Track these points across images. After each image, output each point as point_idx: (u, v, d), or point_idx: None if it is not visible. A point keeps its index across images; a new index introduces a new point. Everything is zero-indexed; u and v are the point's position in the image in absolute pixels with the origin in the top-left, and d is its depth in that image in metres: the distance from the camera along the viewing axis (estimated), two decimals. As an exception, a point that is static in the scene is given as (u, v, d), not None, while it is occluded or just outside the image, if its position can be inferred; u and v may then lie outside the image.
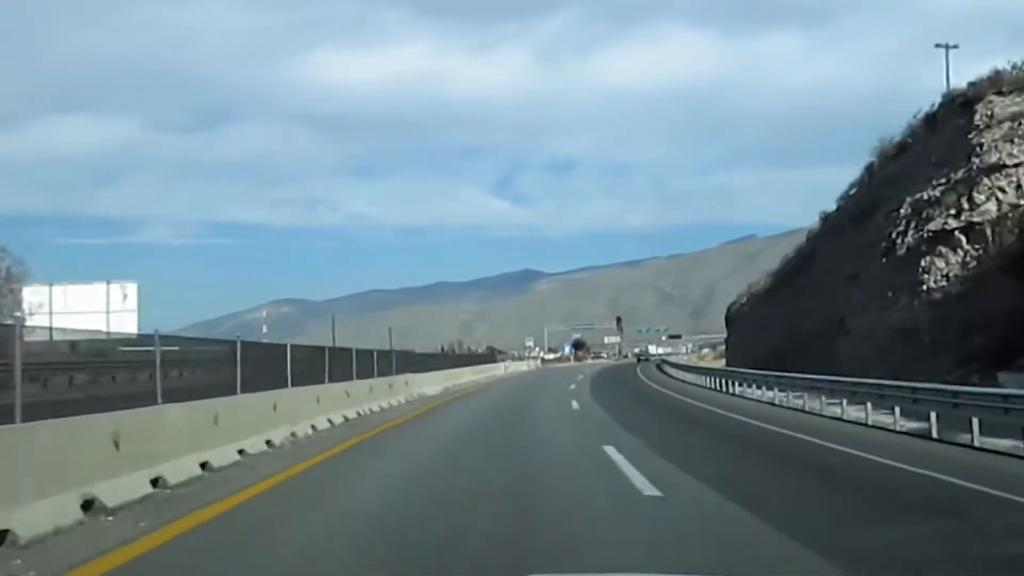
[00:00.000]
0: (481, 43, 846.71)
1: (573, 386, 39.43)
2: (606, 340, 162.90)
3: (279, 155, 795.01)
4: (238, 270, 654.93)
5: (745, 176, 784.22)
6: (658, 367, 74.47)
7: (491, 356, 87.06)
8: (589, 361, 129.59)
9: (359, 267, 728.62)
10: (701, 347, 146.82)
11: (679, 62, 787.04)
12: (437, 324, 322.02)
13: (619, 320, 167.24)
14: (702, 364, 74.15)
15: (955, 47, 34.89)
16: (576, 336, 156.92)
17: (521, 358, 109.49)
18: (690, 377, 45.94)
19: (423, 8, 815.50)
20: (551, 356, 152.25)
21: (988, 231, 25.32)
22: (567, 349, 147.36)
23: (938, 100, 30.99)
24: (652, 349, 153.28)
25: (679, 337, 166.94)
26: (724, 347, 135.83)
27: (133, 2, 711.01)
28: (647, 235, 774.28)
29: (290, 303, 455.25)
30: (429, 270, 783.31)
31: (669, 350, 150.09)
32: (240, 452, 12.48)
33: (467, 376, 49.50)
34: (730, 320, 70.43)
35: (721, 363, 70.10)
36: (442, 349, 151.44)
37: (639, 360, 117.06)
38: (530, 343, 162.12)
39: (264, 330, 78.56)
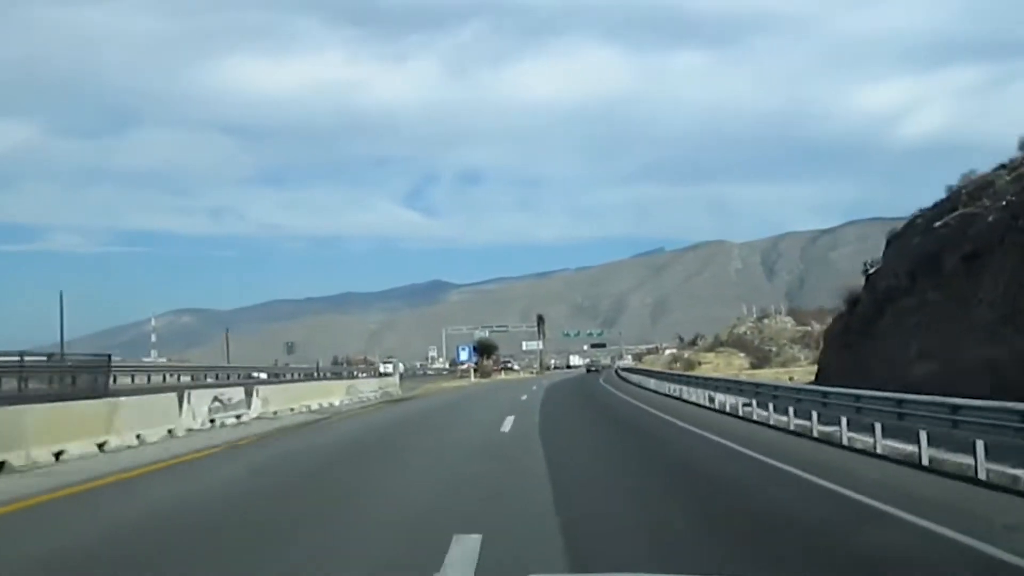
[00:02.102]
0: (393, 53, 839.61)
1: None
2: (524, 346, 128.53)
3: (188, 162, 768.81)
4: (145, 278, 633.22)
5: (653, 191, 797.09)
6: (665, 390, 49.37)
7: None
8: (501, 377, 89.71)
9: (266, 277, 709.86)
10: (624, 355, 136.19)
11: (589, 77, 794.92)
12: (343, 334, 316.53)
13: (540, 320, 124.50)
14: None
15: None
16: (479, 334, 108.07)
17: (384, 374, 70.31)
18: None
19: (335, 17, 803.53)
20: (438, 367, 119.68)
21: None
22: (464, 355, 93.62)
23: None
24: (574, 360, 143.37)
25: (603, 346, 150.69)
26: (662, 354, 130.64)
27: (33, 3, 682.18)
28: (557, 248, 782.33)
29: (193, 313, 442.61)
30: (337, 280, 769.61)
31: (585, 360, 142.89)
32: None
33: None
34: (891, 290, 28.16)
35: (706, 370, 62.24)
36: (335, 360, 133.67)
37: (589, 371, 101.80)
38: (433, 352, 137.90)
39: (153, 339, 74.32)
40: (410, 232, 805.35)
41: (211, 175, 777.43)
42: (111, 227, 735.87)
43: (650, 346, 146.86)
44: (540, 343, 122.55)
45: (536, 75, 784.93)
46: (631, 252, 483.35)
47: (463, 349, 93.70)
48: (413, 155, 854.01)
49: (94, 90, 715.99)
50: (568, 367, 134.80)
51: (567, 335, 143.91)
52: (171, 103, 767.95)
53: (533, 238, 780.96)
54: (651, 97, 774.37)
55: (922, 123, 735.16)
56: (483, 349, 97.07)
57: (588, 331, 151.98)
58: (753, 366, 68.06)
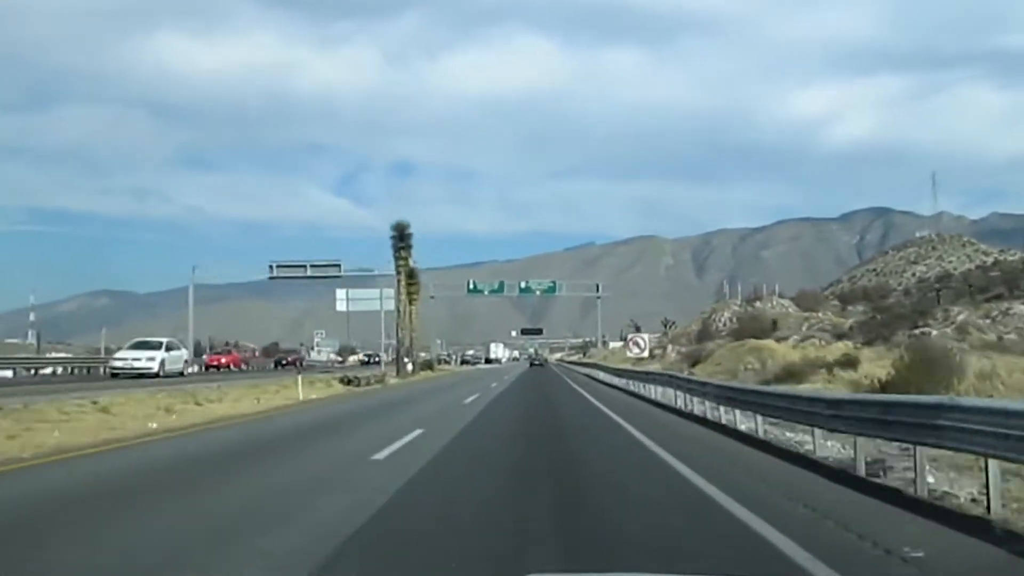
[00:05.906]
0: (328, 38, 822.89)
1: None
2: (341, 303, 66.64)
3: (111, 141, 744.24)
4: (61, 259, 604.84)
5: (585, 186, 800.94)
6: None
7: None
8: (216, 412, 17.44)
9: (189, 260, 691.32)
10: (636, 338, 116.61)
11: (524, 71, 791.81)
12: (265, 321, 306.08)
13: (400, 234, 59.84)
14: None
15: None
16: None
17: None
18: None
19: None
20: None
21: None
22: None
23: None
24: (497, 351, 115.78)
25: (539, 332, 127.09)
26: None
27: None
28: (489, 240, 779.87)
29: (109, 295, 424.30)
30: (262, 266, 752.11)
31: (515, 353, 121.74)
32: None
33: None
34: None
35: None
36: (198, 347, 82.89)
37: (532, 364, 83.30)
38: (319, 338, 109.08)
39: (31, 318, 67.11)
40: (340, 220, 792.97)
41: (135, 155, 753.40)
42: (29, 205, 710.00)
43: (587, 339, 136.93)
44: (399, 293, 57.30)
45: (472, 67, 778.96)
46: (561, 246, 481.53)
47: None
48: (345, 143, 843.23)
49: (10, 63, 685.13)
50: (487, 361, 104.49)
51: (477, 291, 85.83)
52: (93, 80, 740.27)
53: (463, 230, 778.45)
54: (585, 93, 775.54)
55: (849, 129, 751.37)
56: None
57: (522, 283, 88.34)
58: None
